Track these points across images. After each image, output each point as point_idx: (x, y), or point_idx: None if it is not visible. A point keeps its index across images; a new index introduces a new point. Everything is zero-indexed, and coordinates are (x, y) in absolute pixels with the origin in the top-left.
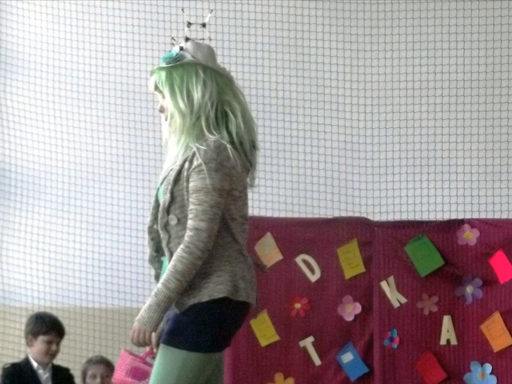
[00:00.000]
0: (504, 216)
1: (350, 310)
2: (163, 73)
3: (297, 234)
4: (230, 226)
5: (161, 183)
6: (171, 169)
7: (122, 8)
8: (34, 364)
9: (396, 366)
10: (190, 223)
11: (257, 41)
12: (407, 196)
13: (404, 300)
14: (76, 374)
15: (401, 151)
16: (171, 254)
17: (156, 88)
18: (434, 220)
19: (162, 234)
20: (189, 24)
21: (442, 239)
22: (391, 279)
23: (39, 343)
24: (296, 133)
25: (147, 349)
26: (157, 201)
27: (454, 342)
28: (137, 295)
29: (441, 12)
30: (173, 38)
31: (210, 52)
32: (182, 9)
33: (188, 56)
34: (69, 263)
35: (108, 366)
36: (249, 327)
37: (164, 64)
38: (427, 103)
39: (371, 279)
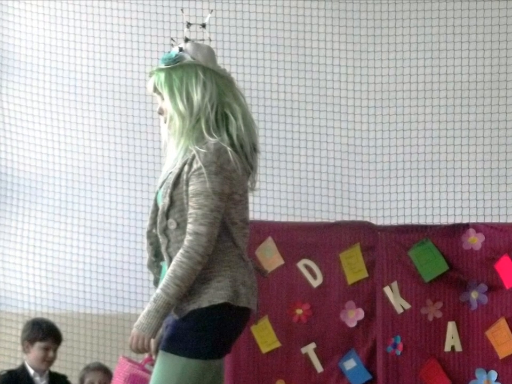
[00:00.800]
0: (510, 220)
1: (353, 316)
2: (162, 75)
3: (299, 238)
4: (230, 230)
5: (160, 187)
6: (170, 173)
7: (120, 8)
8: (31, 371)
9: (400, 373)
10: (189, 227)
11: (258, 42)
12: (411, 199)
13: (407, 306)
14: (73, 381)
15: (405, 154)
16: (170, 259)
17: (155, 89)
18: (439, 224)
19: (161, 239)
20: (189, 24)
21: (447, 244)
22: (395, 284)
23: (36, 350)
24: (297, 135)
25: (146, 355)
26: (155, 205)
27: (458, 348)
28: (135, 301)
29: (446, 12)
30: (172, 39)
31: (210, 53)
32: (182, 9)
33: (188, 57)
34: (66, 268)
35: (106, 373)
36: (250, 334)
37: (163, 66)
38: (431, 105)
39: (374, 285)
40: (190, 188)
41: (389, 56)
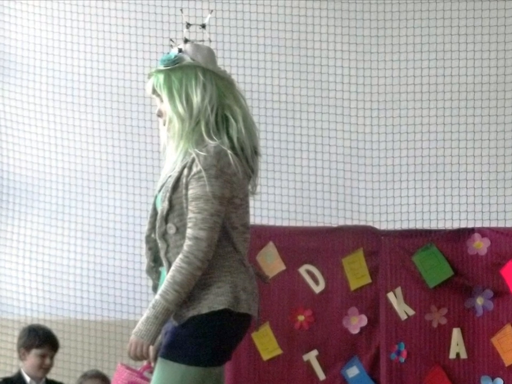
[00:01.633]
0: None
1: (356, 322)
2: (161, 76)
3: (300, 243)
4: (230, 235)
5: (159, 191)
6: (169, 176)
7: (119, 9)
8: (27, 379)
9: (403, 380)
10: (189, 232)
11: (259, 43)
12: (415, 203)
13: (411, 312)
14: None
15: (408, 157)
16: (169, 264)
17: (154, 91)
18: (443, 228)
19: (161, 244)
20: (188, 25)
21: (452, 249)
22: (398, 290)
23: (32, 357)
24: (299, 138)
25: (144, 363)
26: (154, 209)
27: (463, 355)
28: (134, 307)
29: (451, 12)
30: (171, 40)
31: (210, 54)
32: (181, 10)
33: (187, 59)
34: (63, 273)
35: (104, 381)
36: (251, 340)
37: (162, 67)
38: (436, 107)
39: (377, 290)
40: (190, 191)
41: (393, 57)
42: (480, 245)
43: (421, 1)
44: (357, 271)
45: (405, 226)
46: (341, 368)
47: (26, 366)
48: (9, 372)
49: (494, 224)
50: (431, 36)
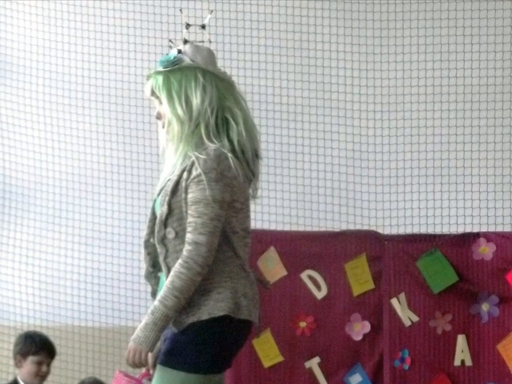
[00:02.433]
0: None
1: (359, 329)
2: (160, 78)
3: (302, 248)
4: (231, 240)
5: (158, 194)
6: (168, 180)
7: (117, 9)
8: None
9: None
10: (188, 236)
11: (260, 44)
12: (419, 207)
13: (415, 318)
14: None
15: (412, 160)
16: (168, 270)
17: (153, 93)
18: (448, 233)
19: (159, 249)
20: (188, 25)
21: (457, 254)
22: (402, 296)
23: (29, 364)
24: (301, 141)
25: (143, 370)
26: (153, 213)
27: (468, 362)
28: (132, 313)
29: (456, 13)
30: (170, 41)
31: (210, 55)
32: (180, 10)
33: (187, 60)
34: (60, 279)
35: None
36: (252, 347)
37: (161, 68)
38: (440, 110)
39: (381, 296)
40: (189, 195)
41: (396, 59)
42: (485, 250)
43: (425, 2)
44: (360, 277)
45: (408, 230)
46: (344, 376)
47: (22, 373)
48: (5, 379)
49: (499, 229)
50: (435, 36)
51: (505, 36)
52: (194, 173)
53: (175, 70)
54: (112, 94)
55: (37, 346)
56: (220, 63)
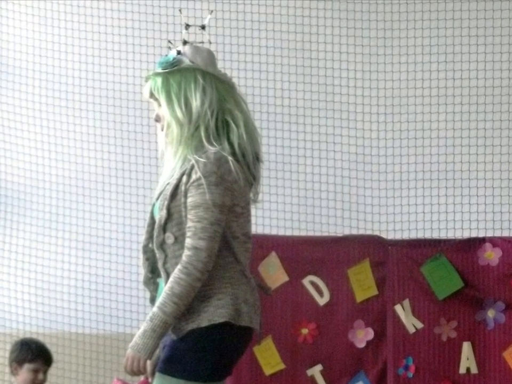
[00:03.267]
0: None
1: (362, 335)
2: (159, 80)
3: (304, 253)
4: (231, 245)
5: (157, 199)
6: (168, 184)
7: (115, 9)
8: None
9: None
10: (188, 241)
11: (261, 45)
12: (424, 212)
13: (420, 325)
14: None
15: (417, 163)
16: (168, 275)
17: (151, 95)
18: (453, 238)
19: (158, 254)
20: (187, 26)
21: (462, 259)
22: (406, 302)
23: (25, 372)
24: (303, 144)
25: (141, 378)
26: (152, 218)
27: (474, 370)
28: (130, 320)
29: (461, 13)
30: (169, 41)
31: (210, 56)
32: (180, 10)
33: (186, 61)
34: (57, 284)
35: None
36: (253, 355)
37: (160, 70)
38: (445, 112)
39: (384, 303)
40: (189, 199)
41: (400, 60)
42: (491, 255)
43: (429, 1)
44: (363, 283)
45: (413, 235)
46: None
47: (18, 381)
48: None
49: (506, 234)
50: (440, 37)
51: (511, 37)
52: (194, 176)
53: (174, 71)
54: (109, 96)
55: (33, 354)
56: (220, 64)
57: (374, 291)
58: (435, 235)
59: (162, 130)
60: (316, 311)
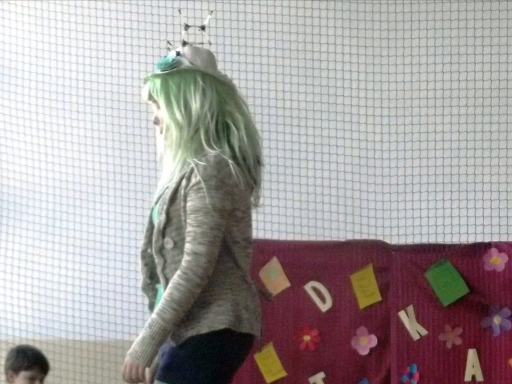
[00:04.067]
0: None
1: (365, 343)
2: (158, 81)
3: (306, 259)
4: (232, 250)
5: (156, 203)
6: (167, 187)
7: (113, 9)
8: None
9: None
10: (187, 246)
11: (262, 46)
12: (428, 216)
13: (424, 332)
14: None
15: (421, 167)
16: (167, 281)
17: (150, 97)
18: (458, 243)
19: (157, 259)
20: (187, 26)
21: (467, 265)
22: (410, 308)
23: (21, 380)
24: (305, 147)
25: None
26: (151, 222)
27: (480, 378)
28: (129, 327)
29: (466, 13)
30: (168, 42)
31: (210, 58)
32: (179, 10)
33: (186, 62)
34: (54, 291)
35: None
36: (253, 362)
37: (158, 71)
38: (450, 114)
39: (388, 309)
40: (188, 204)
41: (404, 61)
42: (497, 261)
43: (434, 2)
44: (366, 288)
45: (417, 240)
46: None
47: None
48: None
49: None
50: (445, 38)
51: None
52: (193, 180)
53: (173, 73)
54: (108, 98)
55: (29, 361)
56: (220, 66)
57: (377, 297)
58: (440, 240)
59: (161, 133)
60: (318, 318)
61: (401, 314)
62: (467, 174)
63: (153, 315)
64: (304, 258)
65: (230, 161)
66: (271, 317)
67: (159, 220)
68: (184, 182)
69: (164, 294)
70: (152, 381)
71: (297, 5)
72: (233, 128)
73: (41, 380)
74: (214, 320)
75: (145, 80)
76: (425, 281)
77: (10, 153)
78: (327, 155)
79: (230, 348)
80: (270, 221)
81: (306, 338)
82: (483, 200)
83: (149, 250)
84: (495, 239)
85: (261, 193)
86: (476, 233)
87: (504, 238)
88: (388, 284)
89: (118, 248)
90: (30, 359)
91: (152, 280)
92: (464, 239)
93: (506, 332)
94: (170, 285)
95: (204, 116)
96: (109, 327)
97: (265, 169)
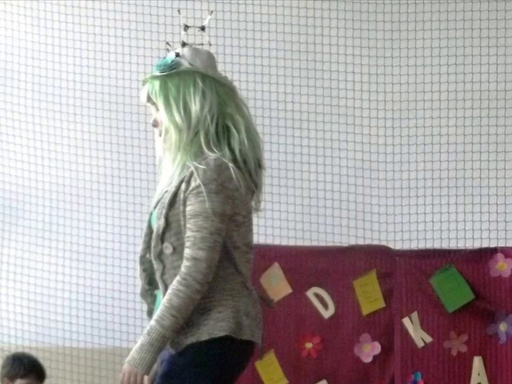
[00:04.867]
0: None
1: (368, 350)
2: (157, 83)
3: (308, 264)
4: (232, 255)
5: (155, 207)
6: (166, 191)
7: (111, 9)
8: None
9: None
10: (187, 252)
11: (263, 47)
12: (433, 221)
13: (429, 339)
14: None
15: (425, 170)
16: (166, 287)
17: (149, 99)
18: (463, 248)
19: (156, 265)
20: (186, 27)
21: (473, 270)
22: (415, 315)
23: None
24: (307, 150)
25: None
26: (149, 227)
27: None
28: (127, 334)
29: (472, 14)
30: (167, 43)
31: (210, 59)
32: (178, 11)
33: (185, 64)
34: (51, 297)
35: None
36: (254, 370)
37: (157, 73)
38: (455, 117)
39: (392, 315)
40: (188, 208)
41: (408, 62)
42: (503, 266)
43: (439, 1)
44: (369, 295)
45: (421, 245)
46: None
47: None
48: None
49: None
50: (450, 39)
51: None
52: (193, 184)
53: (172, 74)
54: (105, 100)
55: (25, 369)
56: (220, 67)
57: (381, 303)
58: (445, 245)
59: (160, 136)
60: (321, 325)
61: (405, 321)
62: (472, 178)
63: (152, 322)
64: (306, 264)
65: (231, 165)
66: (272, 324)
67: (158, 224)
68: (183, 186)
69: (163, 301)
70: None
71: (299, 5)
72: (233, 130)
73: None
74: (214, 327)
75: (144, 82)
76: (430, 287)
77: (5, 157)
78: (329, 158)
79: (231, 356)
80: (272, 226)
81: (308, 345)
82: (489, 204)
83: (147, 255)
84: (501, 244)
85: (262, 197)
86: (481, 238)
87: (510, 243)
88: (391, 290)
89: (116, 253)
90: (26, 367)
91: (151, 286)
92: (470, 244)
93: None
94: (169, 291)
95: (204, 119)
96: (106, 334)
97: (267, 173)
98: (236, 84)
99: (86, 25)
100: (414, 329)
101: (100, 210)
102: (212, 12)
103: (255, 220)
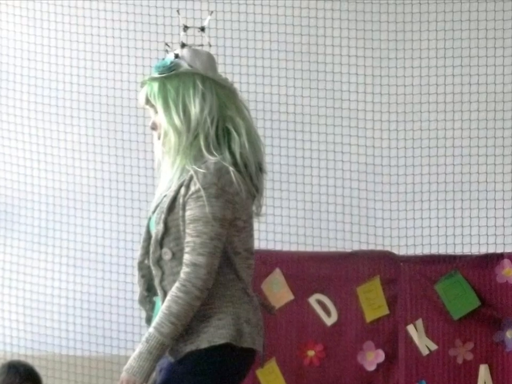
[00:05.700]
0: None
1: (372, 358)
2: (155, 85)
3: (310, 270)
4: (232, 261)
5: (153, 212)
6: (165, 196)
7: (108, 10)
8: None
9: None
10: (186, 257)
11: (264, 48)
12: (438, 226)
13: (434, 347)
14: None
15: (430, 174)
16: (165, 294)
17: (147, 101)
18: (469, 254)
19: (155, 271)
20: (186, 27)
21: (479, 276)
22: (419, 322)
23: None
24: (309, 154)
25: None
26: (148, 232)
27: None
28: (125, 341)
29: (477, 14)
30: (167, 44)
31: (210, 60)
32: (178, 11)
33: (184, 65)
34: (47, 303)
35: None
36: (255, 378)
37: (156, 74)
38: (461, 119)
39: (396, 323)
40: (187, 213)
41: (413, 64)
42: (510, 272)
43: (444, 2)
44: (373, 301)
45: (426, 251)
46: None
47: None
48: None
49: None
50: (455, 40)
51: None
52: (192, 188)
53: (171, 76)
54: (103, 102)
55: (21, 377)
56: (220, 69)
57: (384, 310)
58: (450, 251)
59: (159, 139)
60: (323, 332)
61: (410, 328)
62: (478, 182)
63: (151, 329)
64: (309, 270)
65: (231, 169)
66: (273, 331)
67: (156, 229)
68: (183, 190)
69: (162, 307)
70: None
71: (300, 5)
72: (234, 133)
73: None
74: (214, 334)
75: (142, 84)
76: (435, 293)
77: (1, 160)
78: (332, 162)
79: (231, 364)
80: (273, 231)
81: (311, 353)
82: (495, 209)
83: (146, 261)
84: (508, 249)
85: (263, 201)
86: (487, 244)
87: None
88: (395, 297)
89: (114, 259)
90: (22, 375)
91: (149, 293)
92: (476, 250)
93: None
94: (168, 297)
95: (204, 121)
96: (104, 342)
97: (268, 177)
98: (236, 85)
99: (83, 25)
100: (418, 336)
101: (97, 215)
102: (211, 12)
103: (256, 225)
